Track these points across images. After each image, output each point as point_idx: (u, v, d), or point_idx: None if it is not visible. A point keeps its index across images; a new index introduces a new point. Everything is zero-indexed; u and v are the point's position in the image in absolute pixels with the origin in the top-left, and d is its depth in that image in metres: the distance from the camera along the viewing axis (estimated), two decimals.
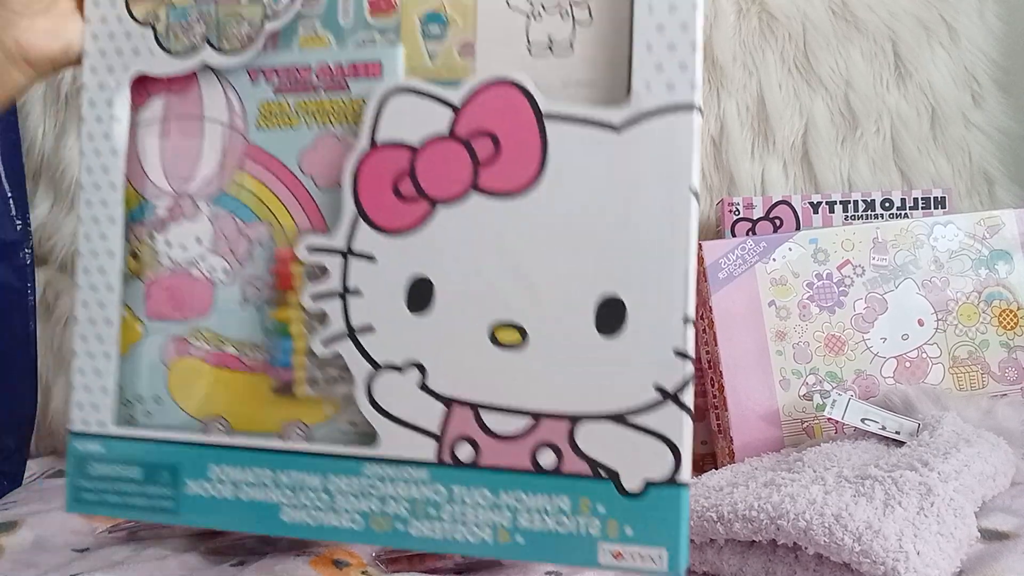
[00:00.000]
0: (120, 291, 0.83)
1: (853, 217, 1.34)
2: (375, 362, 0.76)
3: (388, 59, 0.79)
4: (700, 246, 1.18)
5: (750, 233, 1.34)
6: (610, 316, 0.71)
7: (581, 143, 0.72)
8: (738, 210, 1.34)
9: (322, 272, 0.78)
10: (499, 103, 0.74)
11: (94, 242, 0.83)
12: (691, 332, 0.70)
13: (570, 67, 0.76)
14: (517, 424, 0.73)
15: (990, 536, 0.92)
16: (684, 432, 0.69)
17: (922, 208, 1.33)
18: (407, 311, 0.75)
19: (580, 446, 0.71)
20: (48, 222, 1.49)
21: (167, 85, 0.84)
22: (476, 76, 0.75)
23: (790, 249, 1.21)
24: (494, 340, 0.74)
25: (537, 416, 0.73)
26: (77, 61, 0.86)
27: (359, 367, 0.76)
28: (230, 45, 0.81)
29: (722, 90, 1.49)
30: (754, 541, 0.88)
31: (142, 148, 0.84)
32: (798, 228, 1.33)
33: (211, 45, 0.82)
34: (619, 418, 0.71)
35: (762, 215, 1.35)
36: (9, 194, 1.35)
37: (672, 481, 0.69)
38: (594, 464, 0.71)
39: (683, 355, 0.69)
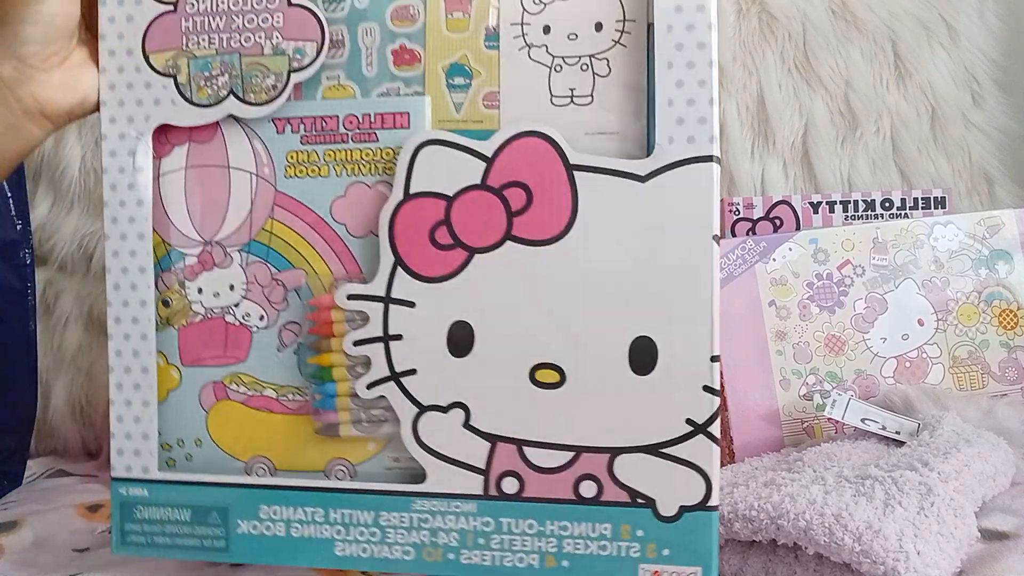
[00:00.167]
0: (154, 339, 0.89)
1: (853, 217, 1.37)
2: (419, 403, 0.84)
3: (415, 109, 0.86)
4: None
5: (750, 233, 1.37)
6: (643, 356, 0.80)
7: (609, 193, 0.80)
8: (738, 210, 1.38)
9: (363, 318, 0.85)
10: (530, 155, 0.82)
11: (124, 292, 0.89)
12: (717, 369, 0.79)
13: (590, 117, 0.84)
14: (559, 458, 0.82)
15: (990, 536, 0.95)
16: (714, 460, 0.79)
17: (922, 208, 1.36)
18: (449, 354, 0.83)
19: (619, 476, 0.81)
20: (48, 222, 1.54)
21: (189, 135, 0.89)
22: (502, 126, 0.83)
23: (790, 249, 1.24)
24: (534, 380, 0.82)
25: (577, 450, 0.82)
26: (93, 111, 0.91)
27: (404, 408, 0.84)
28: (256, 96, 0.87)
29: (722, 90, 1.53)
30: (754, 541, 0.91)
31: (166, 197, 0.90)
32: (798, 228, 1.37)
33: (236, 96, 0.87)
34: (654, 449, 0.80)
35: (762, 215, 1.38)
36: (9, 194, 1.37)
37: (704, 505, 0.80)
38: (632, 492, 0.81)
39: (711, 390, 0.79)
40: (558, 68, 0.85)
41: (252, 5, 0.88)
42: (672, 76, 0.80)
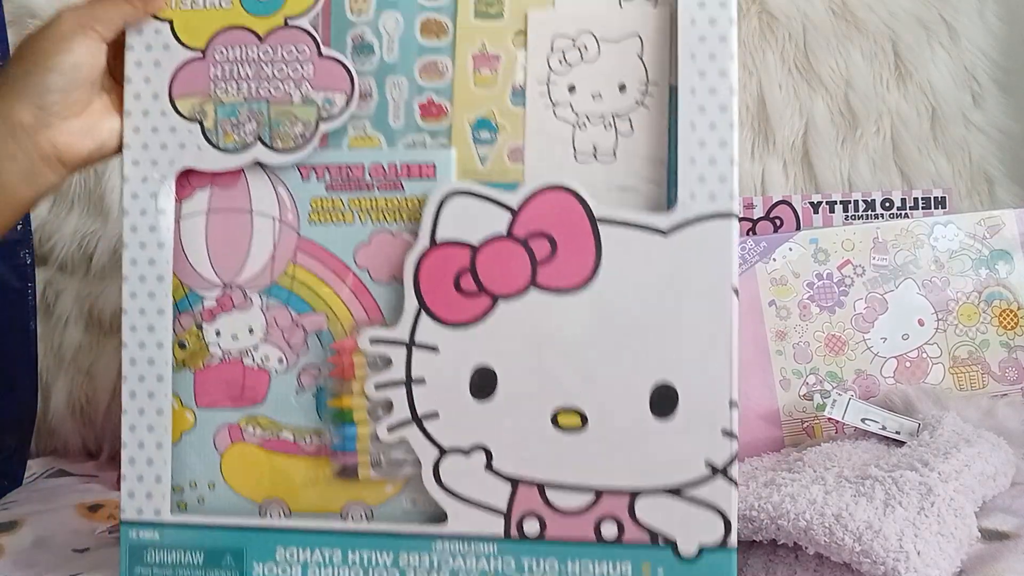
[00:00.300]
0: (170, 381, 0.93)
1: (853, 217, 1.42)
2: (441, 446, 0.89)
3: (441, 161, 0.91)
4: None
5: (750, 233, 1.42)
6: (663, 401, 0.87)
7: (632, 245, 0.87)
8: (738, 210, 1.42)
9: (385, 362, 0.90)
10: (555, 207, 0.88)
11: (141, 334, 0.93)
12: (736, 414, 0.85)
13: (613, 173, 0.90)
14: (580, 500, 0.88)
15: (990, 536, 0.98)
16: (732, 502, 0.85)
17: (922, 208, 1.41)
18: (471, 398, 0.89)
19: (639, 517, 0.87)
20: (48, 222, 1.57)
21: (212, 179, 0.94)
22: (527, 180, 0.89)
23: (790, 249, 1.29)
24: (556, 424, 0.88)
25: (599, 492, 0.88)
26: (111, 155, 0.95)
27: (425, 451, 0.89)
28: (283, 143, 0.92)
29: None
30: (754, 541, 0.93)
31: (186, 240, 0.94)
32: (798, 228, 1.41)
33: (263, 143, 0.92)
34: (674, 491, 0.86)
35: (762, 215, 1.43)
36: None
37: (723, 545, 0.86)
38: (653, 533, 0.87)
39: (729, 434, 0.85)
40: (582, 126, 0.91)
41: (282, 55, 0.93)
42: (695, 137, 0.87)
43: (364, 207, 0.92)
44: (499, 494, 0.89)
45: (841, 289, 1.29)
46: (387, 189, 0.92)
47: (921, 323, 1.29)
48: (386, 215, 0.92)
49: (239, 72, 0.93)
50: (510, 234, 0.89)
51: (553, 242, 0.88)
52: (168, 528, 0.93)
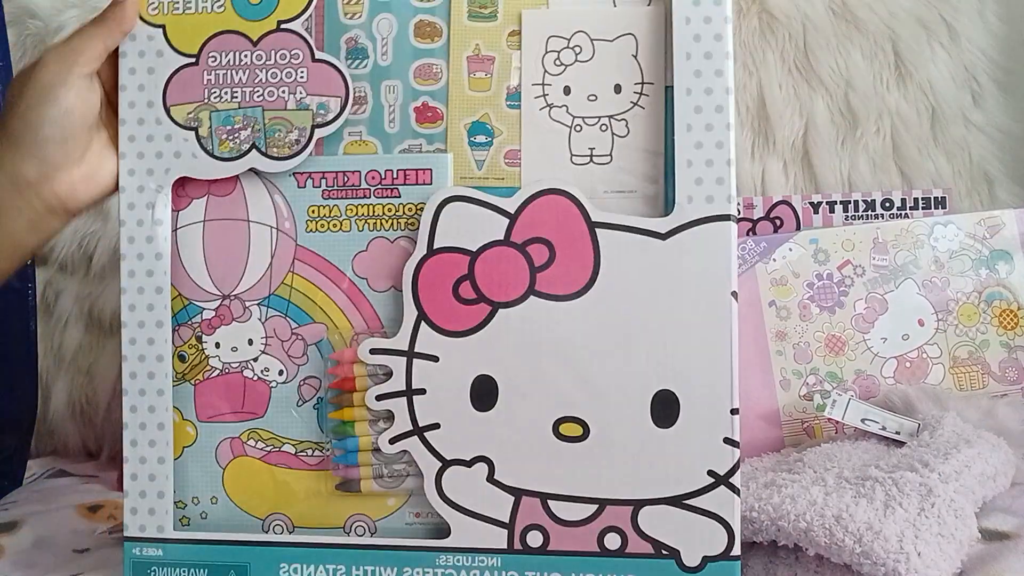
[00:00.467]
0: (170, 395, 0.91)
1: (853, 217, 1.40)
2: (443, 457, 0.88)
3: (437, 166, 0.90)
4: None
5: (750, 233, 1.40)
6: (665, 409, 0.85)
7: (630, 250, 0.85)
8: (738, 210, 1.33)
9: (385, 373, 0.88)
10: (552, 212, 0.86)
11: (140, 347, 0.92)
12: (737, 421, 0.84)
13: (609, 176, 0.89)
14: (583, 511, 0.87)
15: (990, 536, 0.97)
16: (735, 511, 0.84)
17: (922, 208, 1.39)
18: (472, 408, 0.87)
19: (643, 528, 0.86)
20: None
21: (208, 188, 0.93)
22: (524, 184, 0.88)
23: (790, 249, 1.27)
24: (557, 434, 0.86)
25: (602, 503, 0.86)
26: (113, 194, 0.93)
27: (427, 462, 0.88)
28: (278, 150, 0.90)
29: None
30: (755, 542, 0.93)
31: (184, 251, 0.93)
32: (798, 228, 1.39)
33: (258, 150, 0.90)
34: (677, 501, 0.85)
35: (762, 215, 1.41)
36: None
37: (727, 555, 0.85)
38: (656, 544, 0.86)
39: (731, 442, 0.84)
40: (578, 128, 0.90)
41: (276, 60, 0.91)
42: (691, 138, 0.85)
43: (361, 214, 0.91)
44: (502, 506, 0.88)
45: (841, 289, 1.27)
46: (384, 196, 0.91)
47: (921, 323, 1.28)
48: (383, 222, 0.91)
49: (232, 78, 0.92)
50: (508, 240, 0.87)
51: (551, 248, 0.87)
52: (171, 545, 0.92)
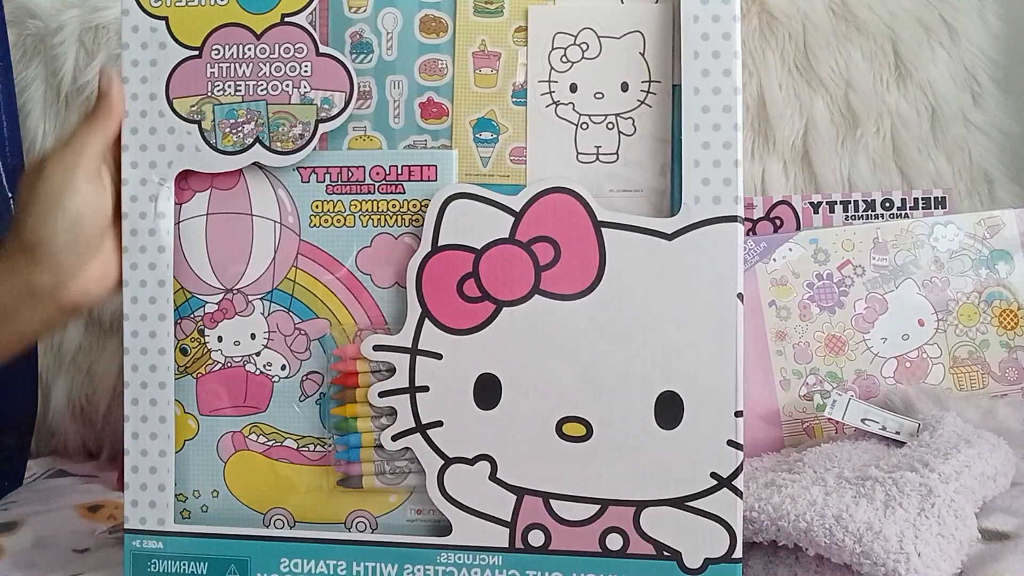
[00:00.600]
0: (172, 388, 0.90)
1: (853, 217, 1.39)
2: (445, 455, 0.86)
3: (443, 163, 0.88)
4: None
5: (750, 233, 1.39)
6: (668, 411, 0.84)
7: (636, 250, 0.84)
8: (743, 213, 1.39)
9: (388, 369, 0.87)
10: (558, 210, 0.85)
11: (143, 339, 0.90)
12: (742, 424, 0.82)
13: (616, 174, 0.87)
14: (585, 511, 0.85)
15: (990, 536, 0.96)
16: (738, 514, 0.83)
17: (922, 208, 1.38)
18: (475, 406, 0.86)
19: (645, 529, 0.84)
20: None
21: (211, 181, 0.91)
22: (529, 182, 0.87)
23: (790, 249, 1.26)
24: (560, 433, 0.85)
25: (604, 503, 0.85)
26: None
27: (430, 460, 0.87)
28: (282, 145, 0.89)
29: None
30: (755, 542, 0.92)
31: (186, 244, 0.91)
32: (798, 228, 1.38)
33: (262, 144, 0.89)
34: (679, 503, 0.84)
35: (762, 215, 1.40)
36: (9, 195, 1.37)
37: (729, 558, 0.83)
38: (658, 545, 0.84)
39: (735, 445, 0.83)
40: (584, 126, 0.89)
41: (280, 54, 0.90)
42: (699, 138, 0.84)
43: (365, 210, 0.90)
44: (504, 505, 0.86)
45: (841, 289, 1.26)
46: (388, 191, 0.89)
47: (921, 323, 1.27)
48: (387, 218, 0.89)
49: (236, 71, 0.90)
50: (513, 238, 0.86)
51: (556, 246, 0.85)
52: (172, 537, 0.91)
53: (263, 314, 0.91)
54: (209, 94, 0.90)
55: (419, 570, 0.88)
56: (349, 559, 0.88)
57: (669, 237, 0.84)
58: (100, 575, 1.01)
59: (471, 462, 0.87)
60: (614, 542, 0.86)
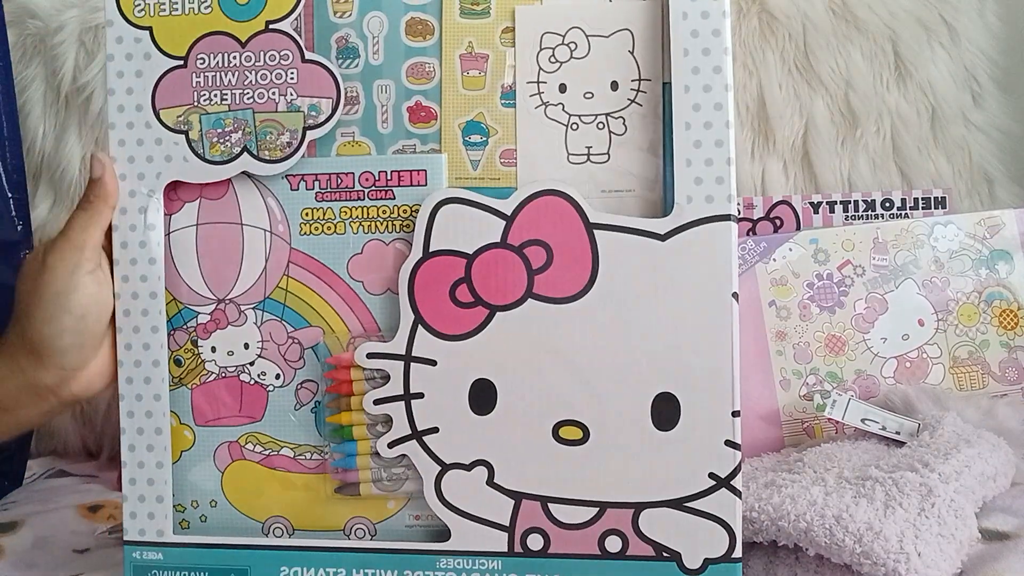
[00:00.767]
0: (167, 399, 0.89)
1: (853, 217, 1.38)
2: (442, 461, 0.85)
3: (432, 167, 0.87)
4: None
5: (750, 233, 1.38)
6: (665, 412, 0.83)
7: (629, 251, 0.82)
8: (738, 210, 1.32)
9: (383, 376, 0.86)
10: (549, 213, 0.83)
11: (136, 352, 0.89)
12: (739, 424, 0.81)
13: (607, 175, 0.86)
14: (584, 514, 0.84)
15: (990, 536, 0.96)
16: (737, 513, 0.81)
17: (922, 208, 1.37)
18: (471, 412, 0.85)
19: (644, 531, 0.83)
20: (48, 222, 1.53)
21: (200, 191, 0.90)
22: (520, 184, 0.85)
23: (790, 249, 1.25)
24: (557, 437, 0.84)
25: (602, 505, 0.84)
26: None
27: (426, 466, 0.85)
28: (270, 153, 0.87)
29: None
30: (755, 542, 0.91)
31: (177, 255, 0.90)
32: (798, 228, 1.37)
33: (250, 153, 0.87)
34: (678, 504, 0.83)
35: (762, 215, 1.39)
36: (9, 195, 1.37)
37: (728, 558, 0.82)
38: (658, 547, 0.83)
39: (733, 445, 0.81)
40: (574, 126, 0.87)
41: (265, 61, 0.88)
42: (690, 136, 0.82)
43: (355, 216, 0.88)
44: (502, 509, 0.85)
45: (841, 289, 1.25)
46: (378, 197, 0.88)
47: (921, 323, 1.25)
48: (378, 224, 0.88)
49: (222, 80, 0.88)
50: (505, 242, 0.84)
51: (549, 249, 0.84)
52: (172, 548, 0.90)
53: (256, 323, 0.90)
54: (195, 104, 0.89)
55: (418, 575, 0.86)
56: (349, 566, 0.87)
57: (662, 237, 0.83)
58: (100, 575, 1.00)
59: (468, 467, 0.85)
60: (613, 544, 0.84)
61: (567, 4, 0.87)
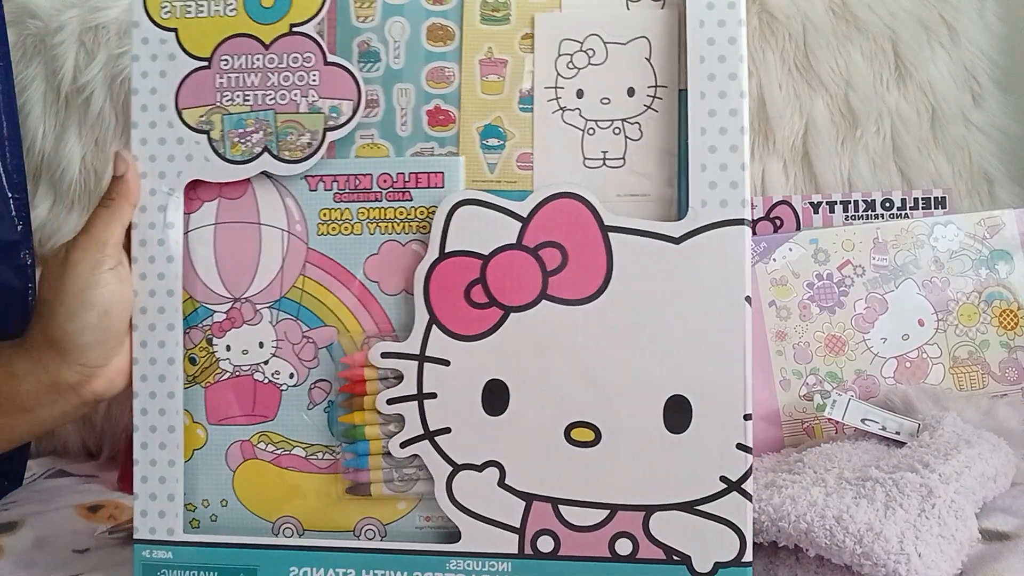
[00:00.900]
0: (181, 398, 0.91)
1: (853, 217, 1.40)
2: (454, 462, 0.87)
3: (449, 169, 0.90)
4: None
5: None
6: (677, 414, 0.85)
7: (643, 254, 0.85)
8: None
9: (396, 376, 0.88)
10: (565, 216, 0.86)
11: (152, 349, 0.91)
12: (750, 427, 0.83)
13: (623, 179, 0.89)
14: (594, 516, 0.86)
15: (991, 537, 0.97)
16: (747, 517, 0.84)
17: (922, 208, 1.39)
18: (483, 413, 0.87)
19: (654, 534, 0.85)
20: (48, 222, 1.55)
21: (219, 191, 0.92)
22: (536, 188, 0.88)
23: (790, 249, 1.27)
24: (569, 439, 0.86)
25: (613, 508, 0.86)
26: None
27: (438, 467, 0.88)
28: (290, 153, 0.90)
29: None
30: (755, 543, 0.90)
31: (194, 253, 0.92)
32: (798, 228, 1.39)
33: (270, 153, 0.90)
34: (689, 507, 0.85)
35: (762, 215, 1.41)
36: (9, 195, 1.38)
37: (738, 561, 0.84)
38: (668, 550, 0.85)
39: (744, 448, 0.84)
40: (591, 131, 0.90)
41: (288, 63, 0.91)
42: (705, 142, 0.85)
43: (372, 217, 0.91)
44: (513, 511, 0.87)
45: (841, 289, 1.27)
46: (395, 199, 0.90)
47: (921, 323, 1.28)
48: (395, 225, 0.90)
49: (244, 81, 0.91)
50: (520, 244, 0.87)
51: (564, 252, 0.86)
52: (181, 547, 0.91)
53: (271, 322, 0.92)
54: (218, 104, 0.91)
55: None
56: (358, 567, 0.89)
57: (676, 241, 0.85)
58: (100, 575, 1.01)
59: (479, 468, 0.88)
60: (623, 547, 0.86)
61: (586, 11, 0.90)
